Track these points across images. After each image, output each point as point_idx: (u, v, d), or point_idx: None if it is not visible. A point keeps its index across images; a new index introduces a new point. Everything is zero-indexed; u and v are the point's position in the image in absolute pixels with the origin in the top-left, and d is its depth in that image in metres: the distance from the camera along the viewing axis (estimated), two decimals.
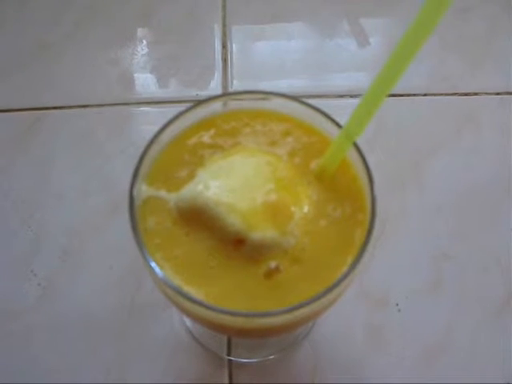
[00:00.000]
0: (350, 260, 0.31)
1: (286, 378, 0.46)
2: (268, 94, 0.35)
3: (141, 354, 0.46)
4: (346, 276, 0.29)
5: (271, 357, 0.46)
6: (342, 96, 0.58)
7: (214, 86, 0.59)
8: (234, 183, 0.32)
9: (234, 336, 0.45)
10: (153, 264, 0.30)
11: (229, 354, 0.46)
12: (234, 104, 0.36)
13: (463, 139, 0.56)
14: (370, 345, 0.46)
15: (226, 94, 0.35)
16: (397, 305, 0.48)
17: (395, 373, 0.45)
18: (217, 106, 0.36)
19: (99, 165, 0.54)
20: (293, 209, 0.32)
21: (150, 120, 0.58)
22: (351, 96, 0.58)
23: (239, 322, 0.29)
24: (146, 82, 0.60)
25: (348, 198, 0.33)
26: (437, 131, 0.57)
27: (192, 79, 0.60)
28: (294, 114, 0.36)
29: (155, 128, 0.60)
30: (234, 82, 0.59)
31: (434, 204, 0.52)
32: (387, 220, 0.51)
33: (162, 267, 0.31)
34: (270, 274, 0.31)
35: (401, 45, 0.28)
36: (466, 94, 0.59)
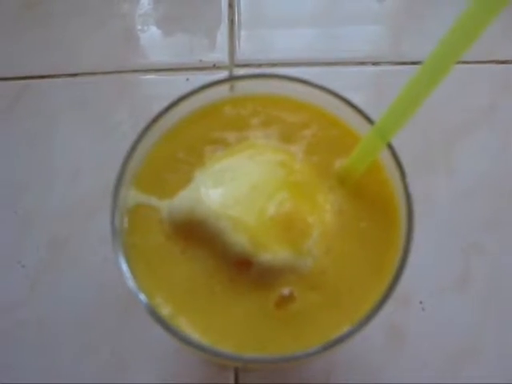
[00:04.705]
0: (379, 287, 0.26)
1: (297, 380, 0.43)
2: (282, 78, 0.29)
3: (141, 353, 0.43)
4: (376, 310, 0.25)
5: None
6: (363, 63, 0.53)
7: (220, 50, 0.54)
8: (239, 190, 0.28)
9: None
10: (141, 296, 0.25)
11: None
12: (240, 88, 0.31)
13: (499, 114, 0.51)
14: (390, 347, 0.44)
15: (231, 78, 0.30)
16: (420, 303, 0.45)
17: (417, 378, 0.43)
18: (221, 90, 0.31)
19: (92, 141, 0.50)
20: (311, 222, 0.28)
21: (148, 89, 0.53)
22: (373, 63, 0.53)
23: (241, 363, 0.25)
24: (144, 46, 0.55)
25: (377, 209, 0.29)
26: (470, 105, 0.52)
27: (196, 43, 0.55)
28: (313, 101, 0.31)
29: (154, 99, 0.54)
30: (242, 45, 0.55)
31: (464, 189, 0.49)
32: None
33: (150, 293, 0.26)
34: (281, 302, 0.28)
35: (455, 29, 0.23)
36: (503, 62, 0.54)
